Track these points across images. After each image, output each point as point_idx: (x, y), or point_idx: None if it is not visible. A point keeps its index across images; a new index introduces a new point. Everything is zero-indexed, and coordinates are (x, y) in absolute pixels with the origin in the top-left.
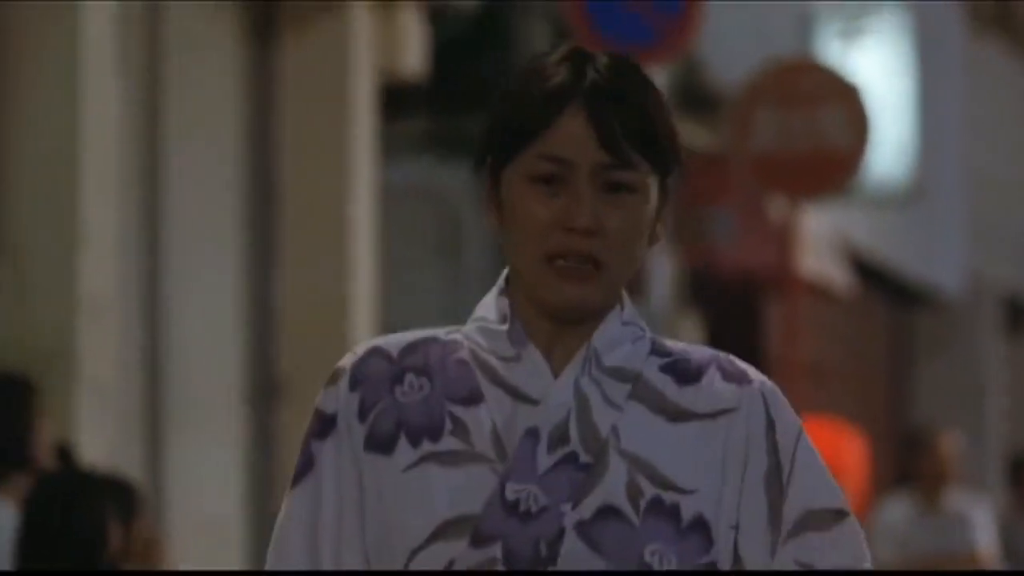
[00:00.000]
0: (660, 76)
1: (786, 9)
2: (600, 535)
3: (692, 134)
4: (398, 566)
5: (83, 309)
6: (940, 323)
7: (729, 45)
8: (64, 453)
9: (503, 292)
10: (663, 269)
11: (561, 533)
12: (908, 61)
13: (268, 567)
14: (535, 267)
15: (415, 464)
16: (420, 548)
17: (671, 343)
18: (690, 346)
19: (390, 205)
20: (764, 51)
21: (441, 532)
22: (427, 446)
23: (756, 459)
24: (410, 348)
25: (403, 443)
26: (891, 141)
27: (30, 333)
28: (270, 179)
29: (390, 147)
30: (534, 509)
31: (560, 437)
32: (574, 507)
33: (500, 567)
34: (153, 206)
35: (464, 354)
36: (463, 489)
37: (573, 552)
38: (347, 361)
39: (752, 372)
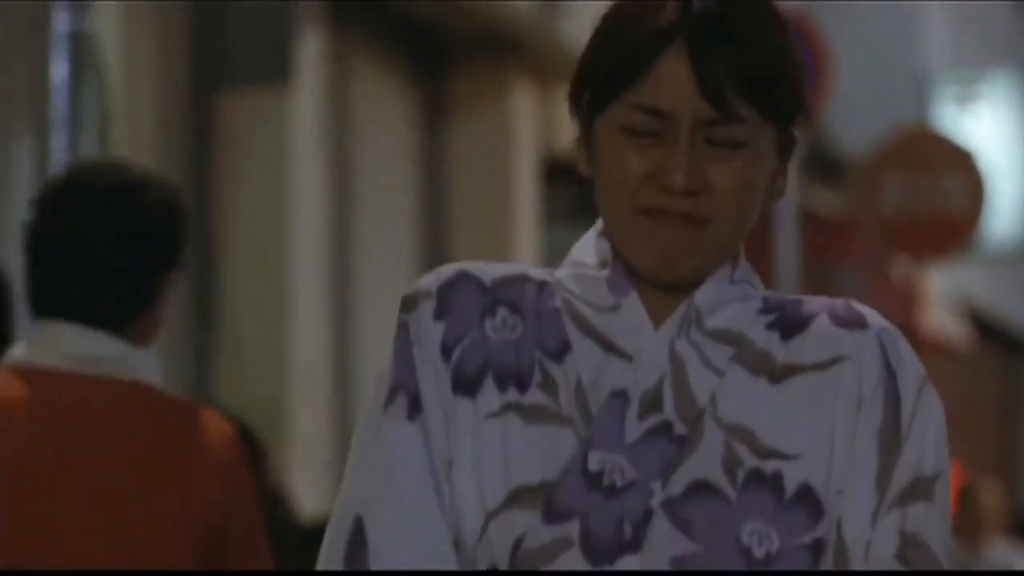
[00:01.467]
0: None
1: (904, 76)
2: (692, 515)
3: (821, 198)
4: (475, 527)
5: (294, 370)
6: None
7: (850, 111)
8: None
9: (603, 233)
10: None
11: (649, 514)
12: (1021, 124)
13: (374, 500)
14: (624, 226)
15: (498, 413)
16: (495, 513)
17: (787, 297)
18: (808, 297)
19: (551, 265)
20: (884, 116)
21: (515, 498)
22: (513, 394)
23: (871, 413)
24: (504, 281)
25: (489, 385)
26: (1007, 202)
27: (246, 392)
28: (443, 246)
29: (549, 213)
30: (620, 483)
31: (652, 402)
32: (664, 483)
33: (575, 549)
34: (347, 275)
35: (557, 302)
36: (544, 452)
37: (661, 534)
38: (430, 283)
39: (872, 316)
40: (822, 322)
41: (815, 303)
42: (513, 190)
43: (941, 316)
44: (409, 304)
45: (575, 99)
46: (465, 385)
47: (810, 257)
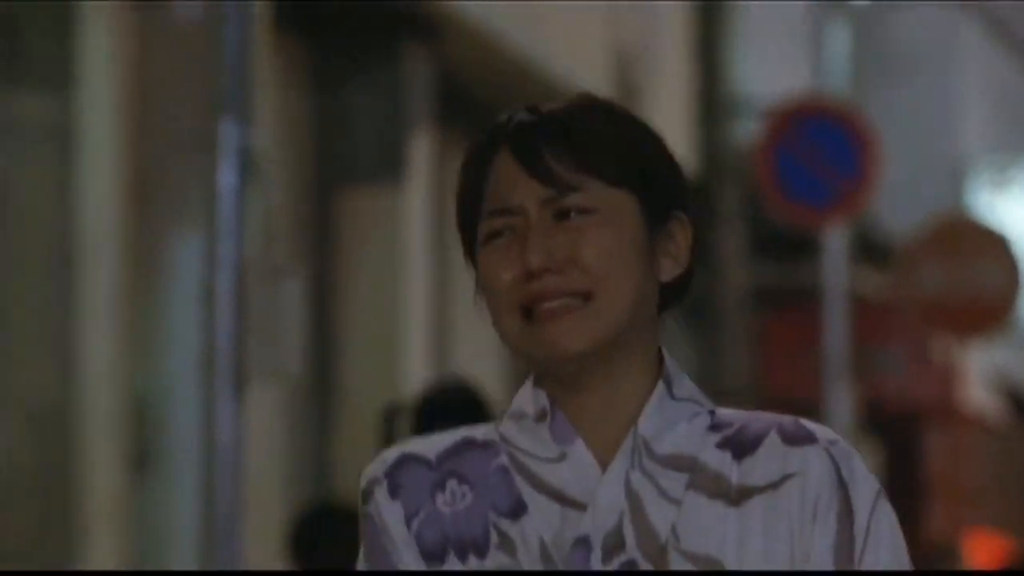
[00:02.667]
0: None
1: (942, 162)
2: None
3: (868, 281)
4: None
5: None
6: None
7: (893, 196)
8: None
9: (539, 382)
10: (843, 399)
11: None
12: None
13: None
14: (511, 330)
15: None
16: None
17: (733, 413)
18: (753, 414)
19: None
20: (924, 201)
21: None
22: (474, 562)
23: (824, 528)
24: (448, 453)
25: (451, 559)
26: None
27: (364, 466)
28: None
29: None
30: None
31: (615, 544)
32: None
33: None
34: (447, 356)
35: (503, 459)
36: None
37: None
38: (377, 470)
39: (820, 431)
40: (772, 441)
41: (763, 420)
42: None
43: (978, 392)
44: (366, 495)
45: (462, 238)
46: (430, 558)
47: (857, 337)
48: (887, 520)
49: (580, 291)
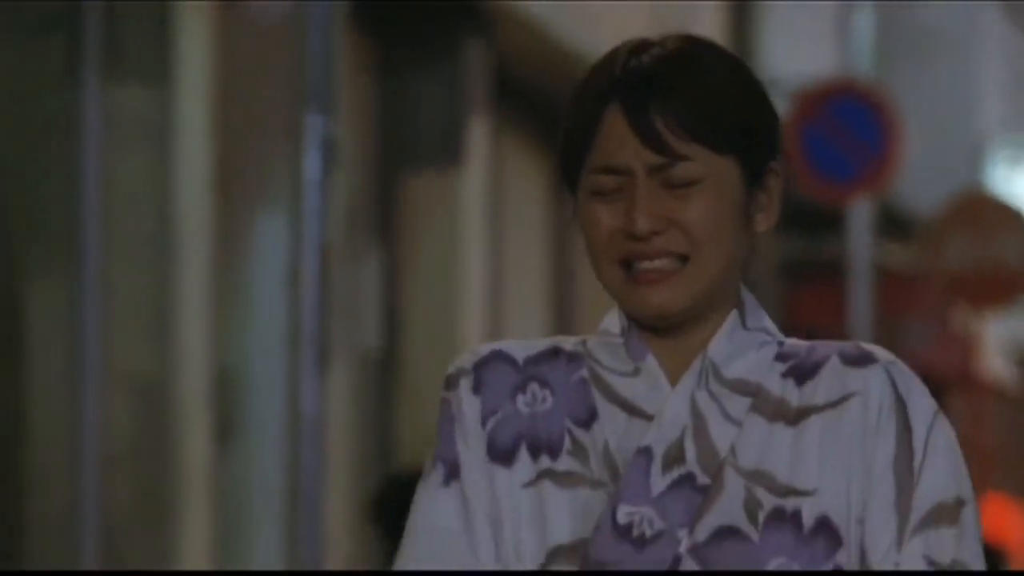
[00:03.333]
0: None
1: (963, 140)
2: (718, 558)
3: (891, 254)
4: None
5: None
6: None
7: (915, 173)
8: None
9: None
10: None
11: (677, 560)
12: None
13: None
14: (612, 282)
15: (534, 481)
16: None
17: (801, 343)
18: (819, 342)
19: None
20: (945, 177)
21: (553, 557)
22: (546, 462)
23: (884, 444)
24: (536, 358)
25: (523, 456)
26: None
27: (425, 438)
28: (570, 296)
29: None
30: (648, 533)
31: (675, 456)
32: (691, 531)
33: None
34: (501, 325)
35: (584, 372)
36: (578, 513)
37: None
38: (467, 362)
39: (879, 352)
40: (833, 364)
41: (827, 347)
42: None
43: (997, 362)
44: (451, 382)
45: (562, 175)
46: (500, 455)
47: (881, 309)
48: (944, 436)
49: (680, 253)
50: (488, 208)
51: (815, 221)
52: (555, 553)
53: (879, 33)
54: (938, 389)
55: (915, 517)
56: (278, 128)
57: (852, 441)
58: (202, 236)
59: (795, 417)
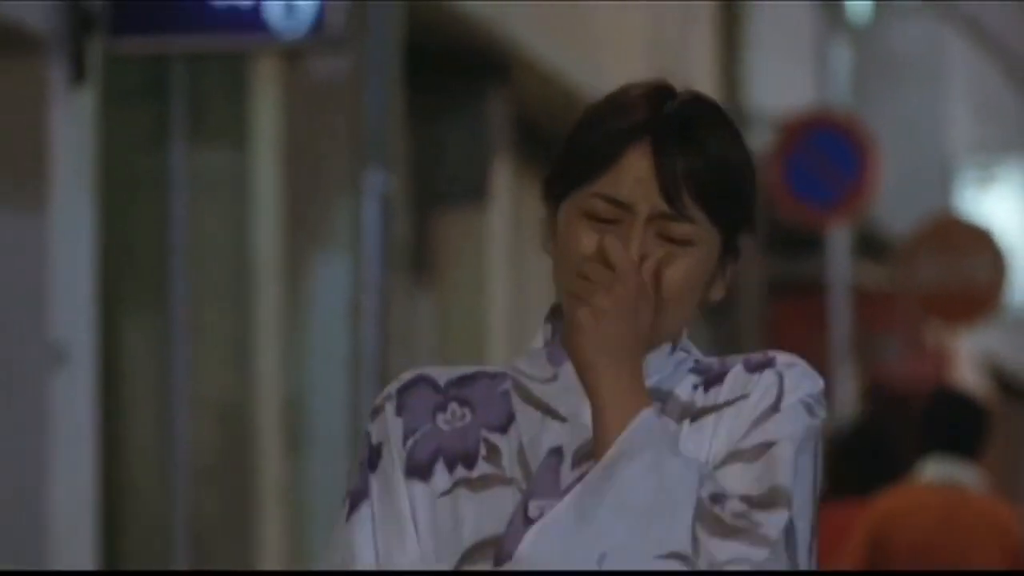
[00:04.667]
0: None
1: (932, 163)
2: None
3: (868, 274)
4: None
5: None
6: None
7: (888, 195)
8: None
9: (549, 318)
10: (847, 381)
11: None
12: None
13: None
14: (571, 298)
15: (449, 491)
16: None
17: (716, 359)
18: (734, 356)
19: None
20: (916, 199)
21: (468, 557)
22: (461, 472)
23: (750, 413)
24: (458, 381)
25: (440, 469)
26: (1022, 270)
27: None
28: None
29: None
30: None
31: (585, 454)
32: None
33: None
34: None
35: (508, 385)
36: (490, 513)
37: None
38: (392, 387)
39: (781, 357)
40: (736, 370)
41: (736, 358)
42: None
43: (968, 374)
44: (375, 411)
45: (547, 184)
46: (418, 470)
47: (859, 325)
48: (793, 410)
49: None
50: (511, 241)
51: (797, 243)
52: (471, 551)
53: (854, 63)
54: (913, 401)
55: (738, 447)
56: (339, 180)
57: (732, 433)
58: (274, 277)
59: (696, 415)
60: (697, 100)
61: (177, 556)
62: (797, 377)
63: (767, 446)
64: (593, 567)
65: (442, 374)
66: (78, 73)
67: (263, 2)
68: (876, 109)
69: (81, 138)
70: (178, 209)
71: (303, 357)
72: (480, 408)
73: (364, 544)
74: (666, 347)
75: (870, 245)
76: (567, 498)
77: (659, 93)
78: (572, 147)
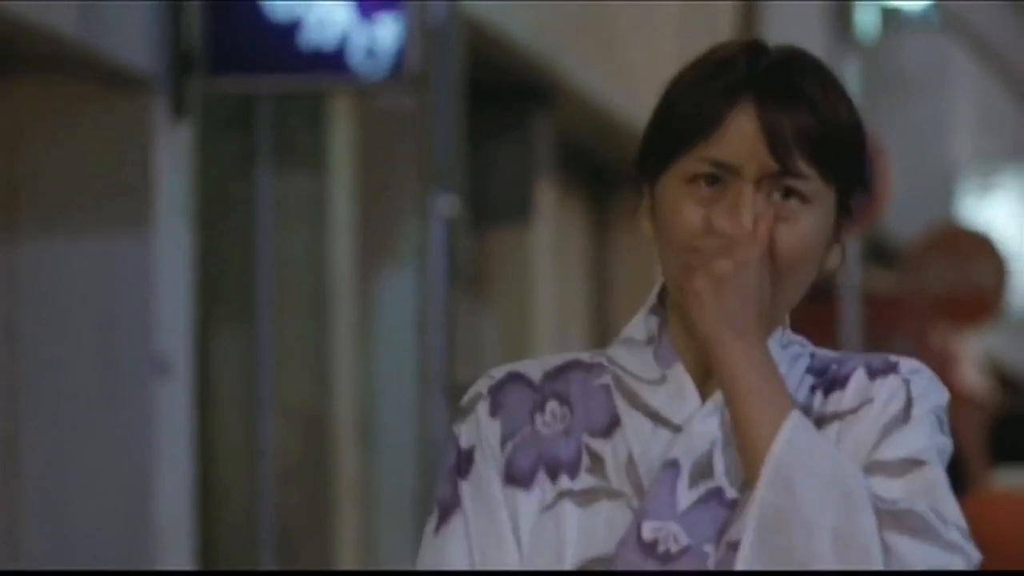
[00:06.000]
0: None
1: (936, 173)
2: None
3: (877, 279)
4: None
5: None
6: None
7: (895, 204)
8: None
9: (653, 310)
10: None
11: None
12: None
13: None
14: (681, 277)
15: (552, 503)
16: None
17: (830, 355)
18: (848, 355)
19: None
20: (922, 207)
21: None
22: (564, 482)
23: (889, 439)
24: (552, 374)
25: (542, 478)
26: (1023, 275)
27: None
28: (607, 324)
29: None
30: (674, 550)
31: (703, 470)
32: (717, 546)
33: None
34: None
35: (607, 379)
36: (596, 530)
37: None
38: (483, 386)
39: (905, 363)
40: (858, 376)
41: (856, 360)
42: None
43: (973, 375)
44: (464, 411)
45: (642, 163)
46: (519, 479)
47: (868, 329)
48: (927, 422)
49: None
50: (555, 259)
51: None
52: (577, 572)
53: (863, 78)
54: None
55: (879, 460)
56: (407, 204)
57: (858, 445)
58: (349, 293)
59: (817, 424)
60: (796, 53)
61: (264, 553)
62: (924, 385)
63: (913, 464)
64: None
65: (535, 368)
66: (178, 110)
67: (346, 46)
68: (884, 121)
69: (180, 168)
70: (263, 231)
71: (375, 366)
72: (580, 406)
73: (457, 556)
74: (777, 333)
75: (878, 251)
76: (745, 542)
77: (755, 48)
78: (667, 115)
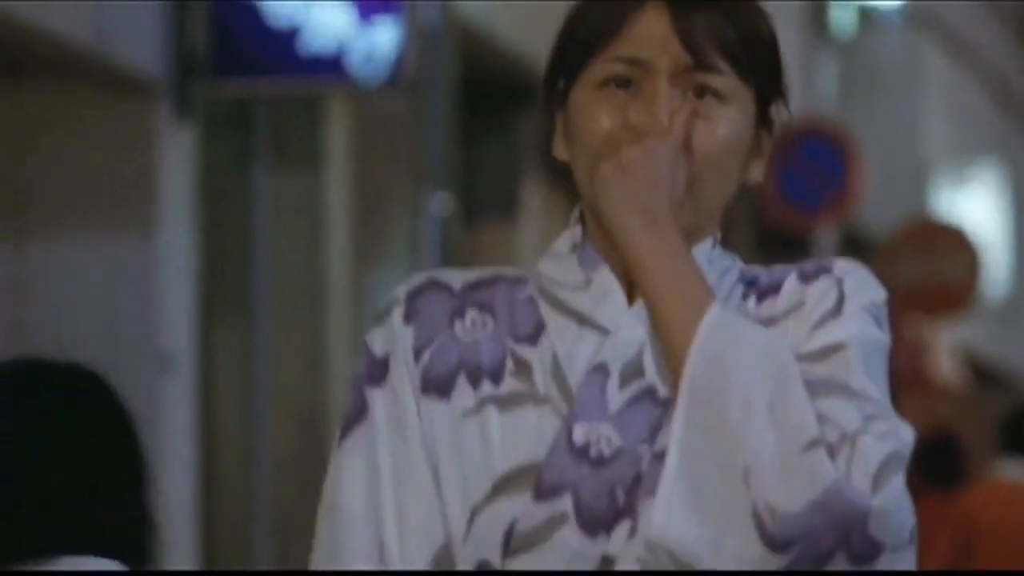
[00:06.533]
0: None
1: (911, 167)
2: None
3: None
4: (460, 524)
5: None
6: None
7: (870, 198)
8: None
9: (576, 222)
10: None
11: (639, 477)
12: (1005, 201)
13: (323, 533)
14: (596, 179)
15: (474, 409)
16: (481, 507)
17: (760, 269)
18: (783, 266)
19: None
20: (896, 200)
21: (502, 487)
22: (487, 388)
23: (809, 318)
24: (473, 284)
25: (462, 385)
26: (997, 267)
27: None
28: None
29: None
30: (607, 453)
31: (634, 371)
32: (652, 446)
33: (571, 522)
34: None
35: (531, 290)
36: (525, 436)
37: (653, 496)
38: (401, 292)
39: (839, 264)
40: (791, 281)
41: (788, 269)
42: None
43: (946, 364)
44: (381, 315)
45: (551, 79)
46: (437, 387)
47: None
48: (859, 317)
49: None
50: (541, 251)
51: (785, 244)
52: (503, 481)
53: (839, 75)
54: (894, 390)
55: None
56: (401, 202)
57: (793, 341)
58: (343, 289)
59: None
60: None
61: (260, 542)
62: (858, 282)
63: (833, 349)
64: (741, 487)
65: (456, 277)
66: (181, 113)
67: (344, 51)
68: (860, 117)
69: (183, 170)
70: (260, 230)
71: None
72: (503, 315)
73: (357, 469)
74: (707, 241)
75: (854, 245)
76: (672, 450)
77: None
78: (576, 22)
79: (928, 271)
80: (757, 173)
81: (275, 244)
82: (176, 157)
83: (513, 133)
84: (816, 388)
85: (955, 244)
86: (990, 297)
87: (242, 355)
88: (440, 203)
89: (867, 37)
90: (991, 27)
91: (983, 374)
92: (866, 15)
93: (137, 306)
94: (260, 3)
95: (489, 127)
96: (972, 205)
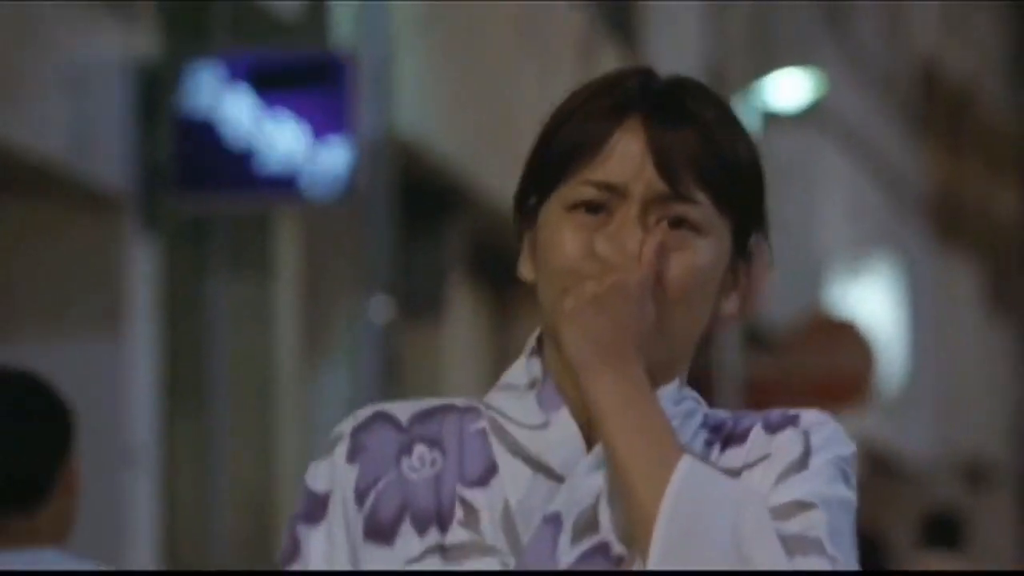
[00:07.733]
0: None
1: (803, 261)
2: None
3: (755, 364)
4: None
5: None
6: (911, 490)
7: (770, 291)
8: None
9: (535, 353)
10: None
11: None
12: (897, 293)
13: None
14: (556, 305)
15: (418, 558)
16: None
17: (725, 413)
18: (749, 412)
19: None
20: (791, 292)
21: None
22: (434, 536)
23: (775, 469)
24: (422, 415)
25: (407, 531)
26: (891, 358)
27: None
28: None
29: None
30: None
31: (588, 523)
32: None
33: None
34: None
35: (482, 424)
36: None
37: None
38: (346, 426)
39: (807, 416)
40: (757, 431)
41: (752, 416)
42: None
43: None
44: (326, 450)
45: (521, 195)
46: (380, 533)
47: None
48: (826, 472)
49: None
50: (468, 352)
51: None
52: None
53: None
54: None
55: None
56: (343, 306)
57: (760, 490)
58: (292, 384)
59: None
60: (691, 79)
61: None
62: (826, 436)
63: (800, 506)
64: None
65: (403, 408)
66: (146, 225)
67: (297, 171)
68: None
69: (149, 276)
70: (217, 331)
71: (317, 448)
72: (452, 452)
73: None
74: (672, 385)
75: (755, 336)
76: None
77: (643, 71)
78: (549, 140)
79: (827, 364)
80: (732, 306)
81: (230, 344)
82: (141, 265)
83: (441, 238)
84: (792, 545)
85: (849, 338)
86: (886, 389)
87: (199, 446)
88: (378, 308)
89: (767, 136)
90: (887, 125)
91: (881, 465)
92: (768, 115)
93: (105, 403)
94: (220, 126)
95: (419, 232)
96: (867, 297)
